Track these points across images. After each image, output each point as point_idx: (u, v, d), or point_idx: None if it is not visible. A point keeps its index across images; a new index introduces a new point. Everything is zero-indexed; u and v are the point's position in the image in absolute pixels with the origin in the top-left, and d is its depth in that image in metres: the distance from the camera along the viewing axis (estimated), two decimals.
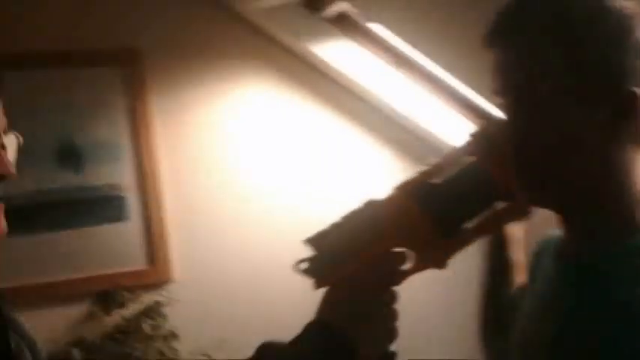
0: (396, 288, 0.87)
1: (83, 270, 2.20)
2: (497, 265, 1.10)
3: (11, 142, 1.01)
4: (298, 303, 2.35)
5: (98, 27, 2.26)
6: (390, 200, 0.85)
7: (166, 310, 2.19)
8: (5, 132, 0.99)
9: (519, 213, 0.85)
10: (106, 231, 2.23)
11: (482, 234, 0.86)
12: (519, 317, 0.96)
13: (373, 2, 2.15)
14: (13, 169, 0.97)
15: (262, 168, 2.39)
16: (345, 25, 2.37)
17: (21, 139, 1.02)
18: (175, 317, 2.19)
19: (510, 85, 0.84)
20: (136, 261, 2.24)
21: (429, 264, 0.85)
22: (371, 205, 0.86)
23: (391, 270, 0.85)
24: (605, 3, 0.80)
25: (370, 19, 2.34)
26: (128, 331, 2.11)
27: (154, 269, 2.24)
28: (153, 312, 2.16)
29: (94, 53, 2.26)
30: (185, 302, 2.21)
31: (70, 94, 2.23)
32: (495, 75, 0.85)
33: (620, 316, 0.76)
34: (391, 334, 0.85)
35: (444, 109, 2.50)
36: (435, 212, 0.83)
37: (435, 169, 0.84)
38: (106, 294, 2.16)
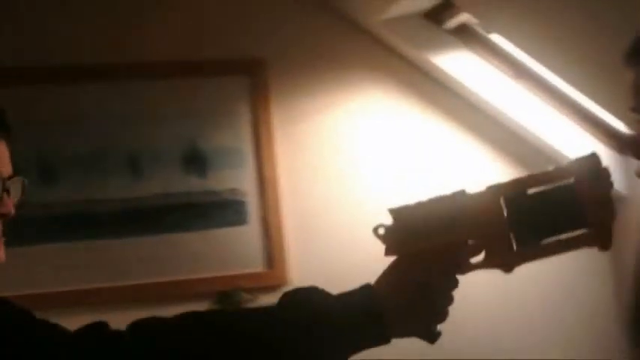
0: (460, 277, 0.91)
1: (205, 271, 2.28)
2: None
3: (16, 186, 1.09)
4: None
5: (224, 38, 2.36)
6: (481, 196, 0.88)
7: None
8: (10, 177, 1.06)
9: (600, 244, 0.85)
10: (227, 234, 2.31)
11: (555, 253, 0.87)
12: None
13: (494, 14, 2.13)
14: (13, 211, 1.05)
15: (378, 175, 2.41)
16: (465, 36, 2.38)
17: (26, 181, 1.11)
18: None
19: None
20: (254, 263, 2.30)
21: (497, 265, 0.87)
22: (460, 195, 0.90)
23: (460, 259, 0.89)
24: None
25: (491, 31, 2.33)
26: None
27: (272, 272, 2.29)
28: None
29: (219, 63, 2.36)
30: None
31: (195, 102, 2.33)
32: (634, 93, 0.87)
33: None
34: (440, 316, 0.89)
35: (565, 123, 2.45)
36: (518, 220, 0.86)
37: (533, 180, 0.87)
38: (226, 294, 2.23)
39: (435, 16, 2.33)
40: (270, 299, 2.28)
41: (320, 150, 2.41)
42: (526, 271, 0.91)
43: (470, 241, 0.89)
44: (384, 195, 2.40)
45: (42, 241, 2.19)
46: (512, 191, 0.87)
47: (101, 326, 0.91)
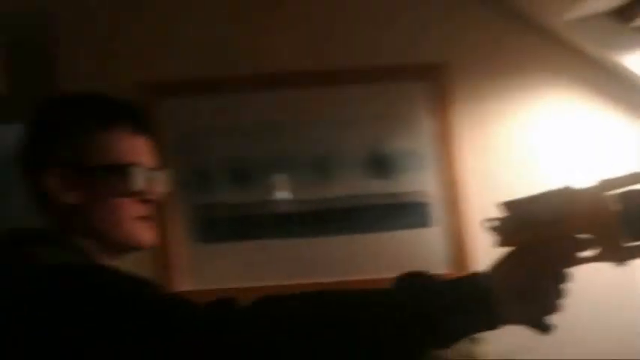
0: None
1: (388, 272, 2.27)
2: None
3: (162, 177, 1.20)
4: (608, 306, 2.28)
5: (405, 43, 2.41)
6: (594, 189, 0.88)
7: None
8: (154, 169, 1.18)
9: None
10: (411, 236, 2.33)
11: None
12: None
13: None
14: (157, 198, 1.17)
15: (563, 178, 2.35)
16: None
17: (171, 174, 1.24)
18: None
19: None
20: (438, 266, 2.30)
21: (610, 259, 0.87)
22: (569, 190, 0.90)
23: (570, 253, 0.90)
24: None
25: None
26: None
27: (456, 274, 2.26)
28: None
29: (402, 69, 2.41)
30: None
31: (379, 107, 2.40)
32: None
33: None
34: (550, 308, 0.91)
35: None
36: (631, 215, 0.85)
37: None
38: None
39: (622, 14, 2.27)
40: None
41: (502, 153, 2.40)
42: None
43: (581, 235, 0.89)
44: None
45: (234, 238, 2.33)
46: (626, 185, 0.87)
47: (230, 299, 0.95)
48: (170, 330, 0.88)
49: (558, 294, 0.91)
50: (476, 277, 0.93)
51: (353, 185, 2.35)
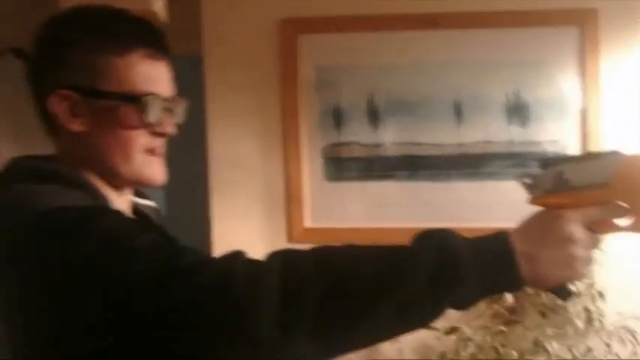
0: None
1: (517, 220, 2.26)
2: None
3: (179, 108, 1.08)
4: None
5: None
6: (637, 159, 0.85)
7: (598, 270, 2.16)
8: (171, 99, 1.06)
9: None
10: None
11: None
12: None
13: None
14: (172, 131, 1.05)
15: None
16: None
17: (187, 103, 1.09)
18: (606, 279, 2.15)
19: None
20: None
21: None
22: (617, 155, 0.86)
23: (606, 218, 0.86)
24: None
25: None
26: None
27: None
28: (587, 271, 2.15)
29: (549, 13, 2.31)
30: (617, 265, 2.17)
31: (522, 52, 2.32)
32: None
33: None
34: (574, 273, 0.86)
35: None
36: None
37: None
38: None
39: None
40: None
41: None
42: None
43: (618, 203, 0.85)
44: None
45: (363, 178, 2.37)
46: None
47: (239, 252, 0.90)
48: (168, 277, 0.83)
49: (585, 260, 0.87)
50: (500, 235, 0.87)
51: (489, 131, 2.32)
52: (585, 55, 2.29)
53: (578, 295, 2.15)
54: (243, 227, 2.38)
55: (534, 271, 0.85)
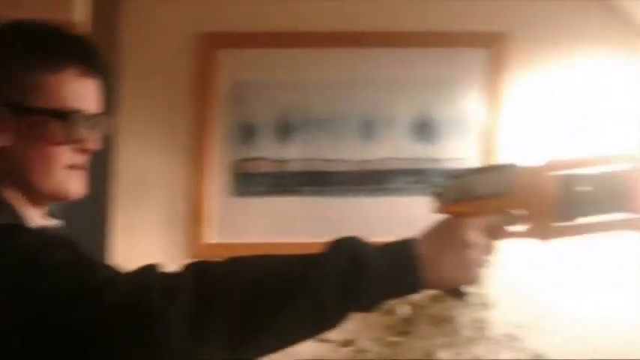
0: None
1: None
2: None
3: (106, 123, 1.08)
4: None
5: (466, 10, 2.41)
6: (535, 169, 0.92)
7: (487, 281, 2.30)
8: (96, 116, 1.06)
9: (633, 227, 0.90)
10: None
11: (594, 232, 0.92)
12: None
13: None
14: (96, 147, 1.06)
15: (608, 152, 2.33)
16: None
17: (111, 118, 1.12)
18: (495, 289, 2.28)
19: None
20: None
21: (538, 236, 0.91)
22: (514, 167, 0.94)
23: (499, 225, 0.93)
24: None
25: None
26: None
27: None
28: (478, 282, 2.28)
29: (461, 35, 2.41)
30: (507, 277, 2.29)
31: (432, 71, 2.42)
32: None
33: None
34: (469, 277, 0.93)
35: None
36: (566, 197, 0.89)
37: (589, 162, 0.91)
38: None
39: None
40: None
41: (548, 127, 2.39)
42: None
43: (515, 211, 0.93)
44: None
45: (271, 194, 2.40)
46: (566, 169, 0.91)
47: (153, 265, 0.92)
48: (83, 293, 0.84)
49: (481, 264, 0.94)
50: (405, 242, 0.93)
51: (396, 148, 2.39)
52: (491, 77, 2.38)
53: (470, 296, 2.27)
54: (145, 242, 2.37)
55: (435, 274, 0.91)
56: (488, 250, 0.94)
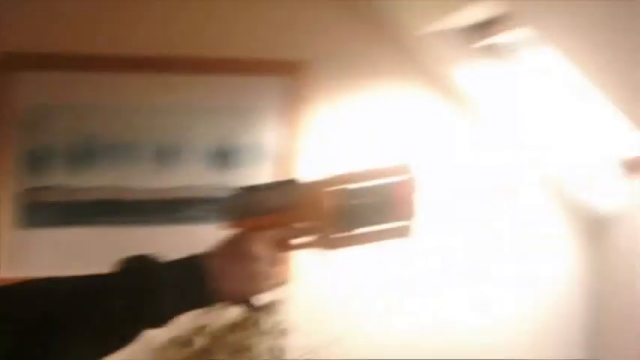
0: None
1: None
2: None
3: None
4: (414, 314, 2.45)
5: (265, 38, 2.41)
6: (315, 184, 0.99)
7: (283, 308, 2.33)
8: None
9: (402, 234, 0.99)
10: None
11: (372, 241, 1.00)
12: None
13: (550, 25, 2.09)
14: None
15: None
16: (498, 54, 2.37)
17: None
18: (291, 316, 2.31)
19: None
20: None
21: (321, 246, 0.99)
22: (294, 183, 1.01)
23: (285, 238, 1.00)
24: None
25: (549, 43, 2.30)
26: (247, 325, 2.27)
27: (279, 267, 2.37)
28: (273, 309, 2.30)
29: (261, 62, 2.41)
30: (301, 303, 2.35)
31: (230, 98, 2.40)
32: None
33: None
34: (258, 287, 0.99)
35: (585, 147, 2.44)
36: (343, 210, 0.97)
37: (364, 176, 1.00)
38: None
39: (472, 33, 2.33)
40: (275, 295, 2.38)
41: (348, 157, 2.47)
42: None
43: (300, 225, 1.00)
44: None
45: (64, 224, 2.29)
46: (341, 183, 0.99)
47: None
48: None
49: (268, 276, 0.99)
50: (194, 256, 1.00)
51: (194, 176, 2.37)
52: (290, 105, 2.42)
53: (267, 307, 2.28)
54: None
55: (225, 286, 0.96)
56: (274, 262, 0.99)
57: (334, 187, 0.99)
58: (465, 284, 2.57)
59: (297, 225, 1.00)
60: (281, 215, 0.99)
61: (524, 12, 1.93)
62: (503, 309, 2.60)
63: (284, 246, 1.01)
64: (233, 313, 2.30)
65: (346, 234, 0.99)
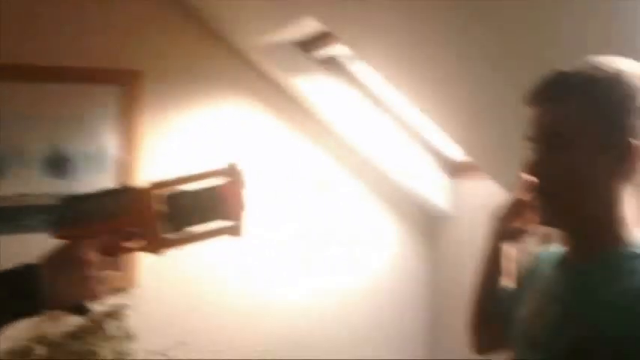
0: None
1: None
2: (493, 270, 1.29)
3: None
4: (257, 309, 2.55)
5: (100, 47, 2.41)
6: (143, 189, 1.02)
7: (130, 313, 2.35)
8: None
9: (232, 231, 1.02)
10: None
11: (200, 240, 1.04)
12: (520, 313, 1.15)
13: (366, 45, 2.25)
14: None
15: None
16: (333, 66, 2.53)
17: None
18: (137, 320, 2.33)
19: (545, 134, 1.05)
20: None
21: (151, 250, 1.02)
22: (123, 189, 1.05)
23: (115, 243, 1.02)
24: (620, 77, 1.01)
25: (360, 60, 2.47)
26: (91, 331, 2.27)
27: (122, 275, 2.38)
28: (117, 314, 2.32)
29: (96, 71, 2.42)
30: (148, 307, 2.36)
31: (67, 107, 2.38)
32: (533, 125, 1.07)
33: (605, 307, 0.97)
34: (89, 293, 1.00)
35: (411, 150, 2.66)
36: (169, 212, 1.00)
37: (188, 179, 1.04)
38: None
39: (306, 45, 2.46)
40: (116, 300, 2.38)
41: (184, 163, 2.50)
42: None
43: (130, 229, 1.02)
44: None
45: None
46: (166, 187, 1.03)
47: None
48: None
49: (100, 281, 1.00)
50: (24, 266, 0.99)
51: (28, 184, 2.31)
52: (126, 113, 2.43)
53: (110, 312, 2.31)
54: None
55: (56, 293, 0.96)
56: (106, 267, 1.00)
57: (161, 191, 1.02)
58: (301, 274, 2.69)
59: (127, 229, 1.02)
60: (110, 221, 1.01)
61: (340, 30, 2.09)
62: (338, 297, 2.75)
63: (115, 251, 1.02)
64: (76, 320, 2.30)
65: (175, 235, 1.01)
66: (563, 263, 1.10)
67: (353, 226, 2.78)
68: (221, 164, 1.03)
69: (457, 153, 2.64)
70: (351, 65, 2.54)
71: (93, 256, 0.99)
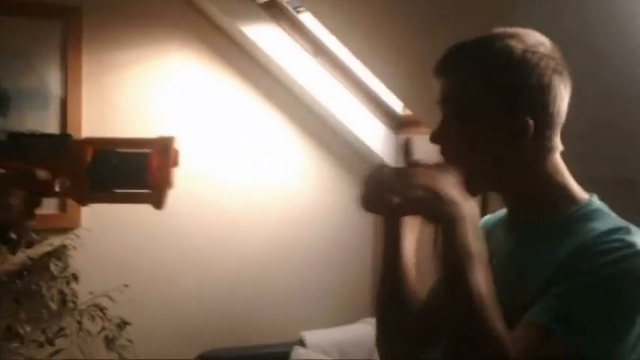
0: None
1: None
2: (395, 246, 1.22)
3: None
4: (198, 253, 2.58)
5: None
6: (82, 142, 1.06)
7: (72, 253, 2.33)
8: None
9: (155, 203, 1.07)
10: None
11: (121, 202, 1.08)
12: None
13: None
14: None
15: (183, 130, 2.52)
16: (274, 11, 2.55)
17: None
18: (80, 261, 2.35)
19: (446, 101, 1.07)
20: (47, 206, 2.33)
21: (72, 198, 1.07)
22: (63, 137, 1.08)
23: (46, 182, 1.05)
24: (519, 52, 1.02)
25: (303, 9, 2.51)
26: (33, 271, 2.25)
27: (65, 215, 2.36)
28: (59, 254, 2.30)
29: (35, 5, 2.35)
30: (90, 248, 2.38)
31: (4, 41, 2.31)
32: (439, 93, 1.08)
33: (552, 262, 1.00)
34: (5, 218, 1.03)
35: (353, 102, 2.73)
36: (99, 169, 1.05)
37: (120, 142, 1.08)
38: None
39: None
40: (60, 241, 2.37)
41: (126, 102, 2.50)
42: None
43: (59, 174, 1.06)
44: (189, 149, 2.53)
45: None
46: (102, 145, 1.07)
47: None
48: None
49: (21, 212, 1.02)
50: None
51: None
52: (68, 49, 2.39)
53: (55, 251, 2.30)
54: None
55: None
56: (25, 200, 1.01)
57: (96, 147, 1.06)
58: (244, 218, 2.72)
59: (59, 174, 1.05)
60: (46, 161, 1.05)
61: None
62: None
63: (43, 189, 1.05)
64: (21, 258, 2.26)
65: (98, 192, 1.06)
66: (507, 226, 1.13)
67: (294, 174, 2.82)
68: (157, 134, 1.06)
69: (398, 106, 2.74)
70: (296, 11, 2.57)
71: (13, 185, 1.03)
